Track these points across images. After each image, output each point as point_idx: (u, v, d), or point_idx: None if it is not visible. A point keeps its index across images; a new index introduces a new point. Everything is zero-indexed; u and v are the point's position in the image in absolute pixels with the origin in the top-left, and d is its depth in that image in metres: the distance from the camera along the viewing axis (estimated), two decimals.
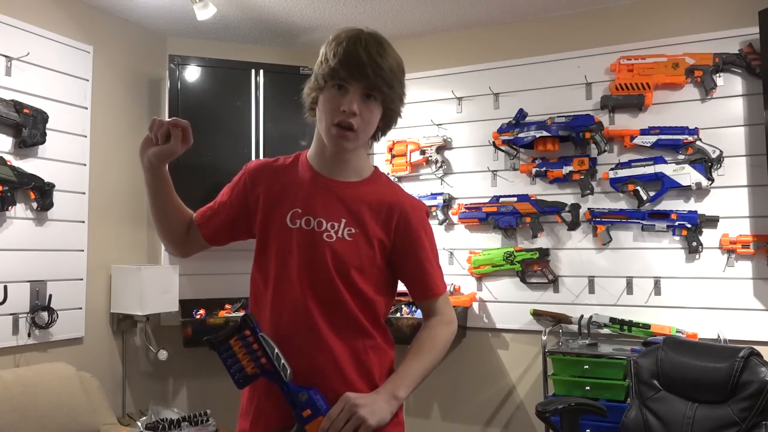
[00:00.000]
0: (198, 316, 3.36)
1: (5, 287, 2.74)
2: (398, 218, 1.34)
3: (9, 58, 2.82)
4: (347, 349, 1.29)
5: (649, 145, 3.07)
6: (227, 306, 3.43)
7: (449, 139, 3.57)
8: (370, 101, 1.27)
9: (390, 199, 1.36)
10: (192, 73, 3.51)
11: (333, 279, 1.28)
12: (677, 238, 3.04)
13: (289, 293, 1.29)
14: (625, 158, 3.14)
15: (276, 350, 1.21)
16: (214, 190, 1.45)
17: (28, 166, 2.87)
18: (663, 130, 3.05)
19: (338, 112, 1.25)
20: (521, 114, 3.30)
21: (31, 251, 2.90)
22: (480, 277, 3.45)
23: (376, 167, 1.42)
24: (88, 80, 3.22)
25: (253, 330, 1.21)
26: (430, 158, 3.57)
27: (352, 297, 1.30)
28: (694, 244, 2.97)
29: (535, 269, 3.29)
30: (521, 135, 3.27)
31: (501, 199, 3.37)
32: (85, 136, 3.20)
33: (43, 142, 2.91)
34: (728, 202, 2.97)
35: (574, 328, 3.10)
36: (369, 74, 1.23)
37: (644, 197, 3.05)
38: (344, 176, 1.35)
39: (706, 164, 2.96)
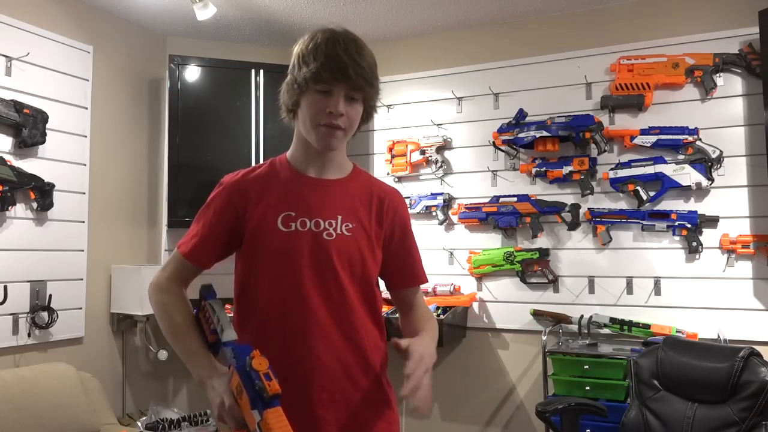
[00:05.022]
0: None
1: (5, 287, 2.75)
2: (388, 208, 1.39)
3: (9, 58, 2.82)
4: (353, 349, 1.30)
5: (649, 145, 3.07)
6: (227, 306, 3.42)
7: (449, 139, 3.57)
8: (354, 101, 1.28)
9: (377, 191, 1.40)
10: (192, 73, 3.51)
11: (340, 277, 1.29)
12: (677, 238, 3.04)
13: (293, 298, 1.27)
14: (625, 158, 3.14)
15: (217, 314, 1.22)
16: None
17: (28, 166, 2.87)
18: (663, 130, 3.05)
19: (324, 114, 1.26)
20: (521, 114, 3.30)
21: (31, 251, 2.90)
22: (480, 277, 3.45)
23: (354, 163, 1.44)
24: (88, 80, 3.22)
25: (206, 299, 1.26)
26: (430, 158, 3.57)
27: (357, 294, 1.31)
28: (694, 244, 2.97)
29: (535, 269, 3.29)
30: (521, 135, 3.27)
31: (501, 199, 3.37)
32: (85, 136, 3.20)
33: (43, 142, 2.91)
34: (728, 202, 2.97)
35: (574, 328, 3.10)
36: (351, 75, 1.24)
37: (644, 197, 3.05)
38: (331, 174, 1.37)
39: (706, 164, 2.96)
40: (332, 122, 1.26)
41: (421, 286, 1.47)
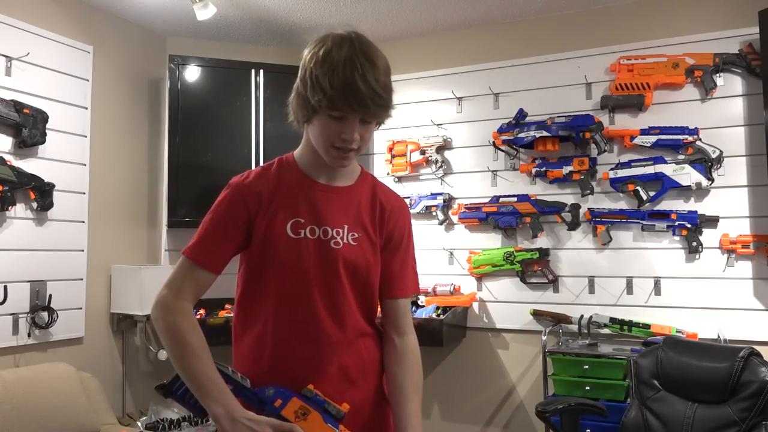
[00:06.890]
0: (198, 316, 3.36)
1: (5, 287, 2.74)
2: (389, 216, 1.38)
3: (9, 58, 2.82)
4: (354, 355, 1.31)
5: (649, 145, 3.07)
6: (227, 306, 3.43)
7: (449, 139, 3.57)
8: (367, 123, 1.24)
9: (381, 198, 1.39)
10: (192, 73, 3.51)
11: (345, 286, 1.29)
12: (677, 238, 3.04)
13: (300, 304, 1.27)
14: (625, 158, 3.14)
15: (230, 367, 1.24)
16: (214, 189, 1.38)
17: (28, 166, 2.87)
18: (663, 130, 3.05)
19: (338, 139, 1.22)
20: (521, 114, 3.30)
21: (31, 251, 2.90)
22: (480, 277, 3.45)
23: (361, 166, 1.42)
24: (88, 80, 3.22)
25: None
26: (430, 158, 3.57)
27: (358, 302, 1.32)
28: (694, 244, 2.97)
29: (535, 269, 3.29)
30: (521, 135, 3.27)
31: (501, 199, 3.37)
32: (85, 136, 3.20)
33: (43, 142, 2.91)
34: (728, 202, 2.97)
35: (574, 328, 3.10)
36: (369, 105, 1.18)
37: (644, 197, 3.05)
38: (341, 181, 1.35)
39: (706, 164, 2.96)
40: (346, 147, 1.23)
41: (406, 298, 1.41)
